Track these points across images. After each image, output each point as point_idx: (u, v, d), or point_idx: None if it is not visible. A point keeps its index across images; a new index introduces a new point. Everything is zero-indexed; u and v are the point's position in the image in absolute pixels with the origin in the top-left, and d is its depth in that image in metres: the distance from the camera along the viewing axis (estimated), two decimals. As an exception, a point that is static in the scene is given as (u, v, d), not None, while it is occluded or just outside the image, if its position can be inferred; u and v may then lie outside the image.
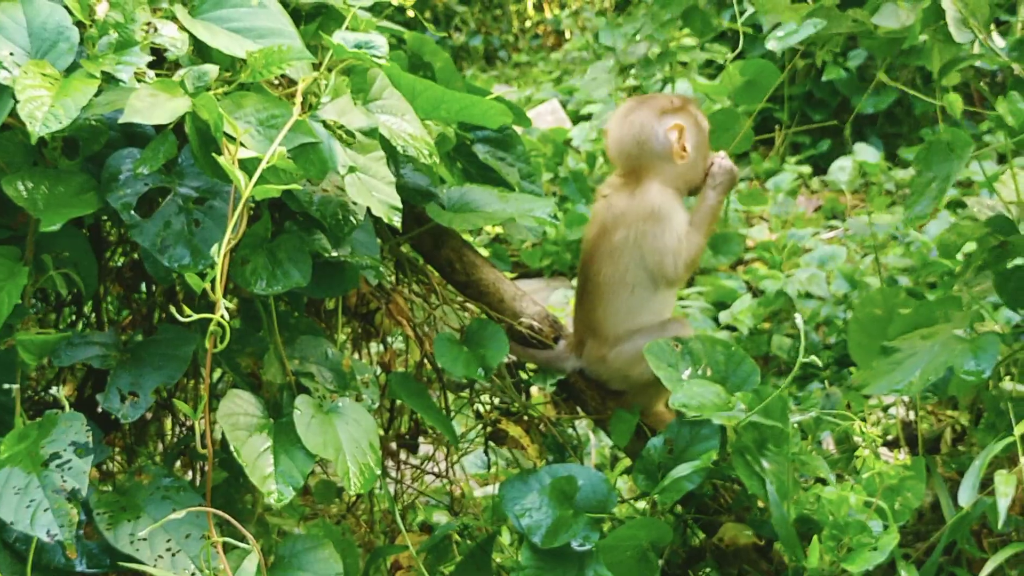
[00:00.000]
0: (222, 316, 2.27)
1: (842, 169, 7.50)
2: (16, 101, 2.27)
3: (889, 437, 3.61)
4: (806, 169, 7.78)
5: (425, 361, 3.14)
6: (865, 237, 6.36)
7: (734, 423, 2.71)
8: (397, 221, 2.51)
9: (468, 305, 3.09)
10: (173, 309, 2.24)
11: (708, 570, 2.98)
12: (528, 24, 13.77)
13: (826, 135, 8.16)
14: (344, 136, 2.49)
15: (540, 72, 12.10)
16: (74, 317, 3.05)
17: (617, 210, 3.00)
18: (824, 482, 2.78)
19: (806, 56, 6.12)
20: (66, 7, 2.41)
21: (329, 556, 2.52)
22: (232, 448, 2.44)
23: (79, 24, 2.42)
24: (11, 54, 2.37)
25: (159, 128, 2.48)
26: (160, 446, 3.06)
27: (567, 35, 13.21)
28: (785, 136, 7.81)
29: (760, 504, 2.93)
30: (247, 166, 2.31)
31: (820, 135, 8.19)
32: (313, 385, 2.67)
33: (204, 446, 2.33)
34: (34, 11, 2.42)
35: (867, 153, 7.28)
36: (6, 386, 2.42)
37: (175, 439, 3.03)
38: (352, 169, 2.45)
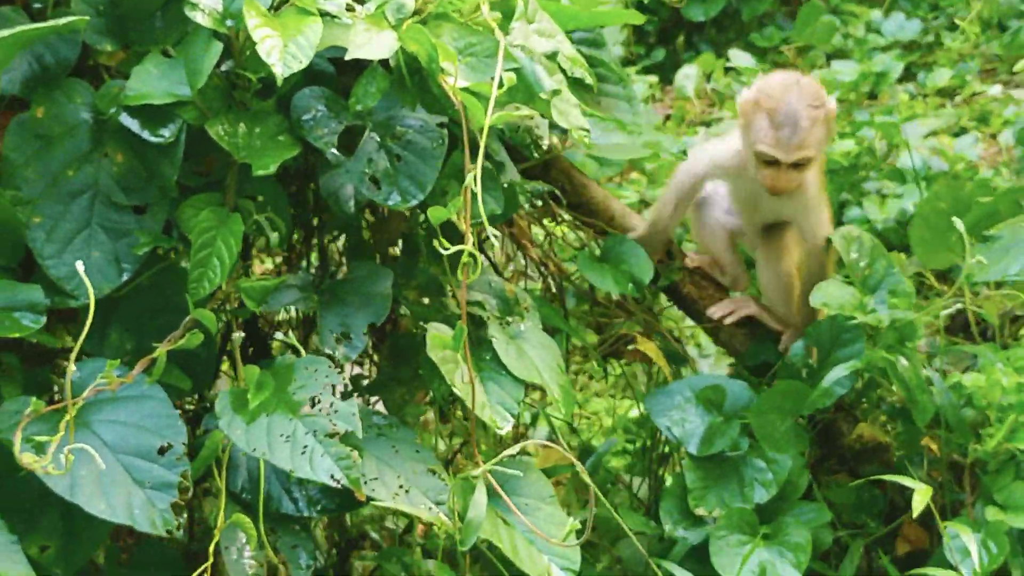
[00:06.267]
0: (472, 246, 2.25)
1: (687, 77, 7.75)
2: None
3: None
4: (653, 79, 7.93)
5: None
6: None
7: (876, 322, 2.83)
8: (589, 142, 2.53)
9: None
10: (436, 243, 2.21)
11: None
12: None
13: (659, 44, 8.35)
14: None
15: None
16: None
17: None
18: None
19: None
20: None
21: (539, 479, 2.55)
22: (448, 380, 2.43)
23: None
24: (204, -8, 2.28)
25: (340, 65, 2.42)
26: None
27: None
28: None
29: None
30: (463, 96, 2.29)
31: (654, 45, 8.37)
32: (484, 313, 2.66)
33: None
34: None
35: (741, 59, 7.47)
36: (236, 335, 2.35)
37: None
38: (557, 92, 2.44)
